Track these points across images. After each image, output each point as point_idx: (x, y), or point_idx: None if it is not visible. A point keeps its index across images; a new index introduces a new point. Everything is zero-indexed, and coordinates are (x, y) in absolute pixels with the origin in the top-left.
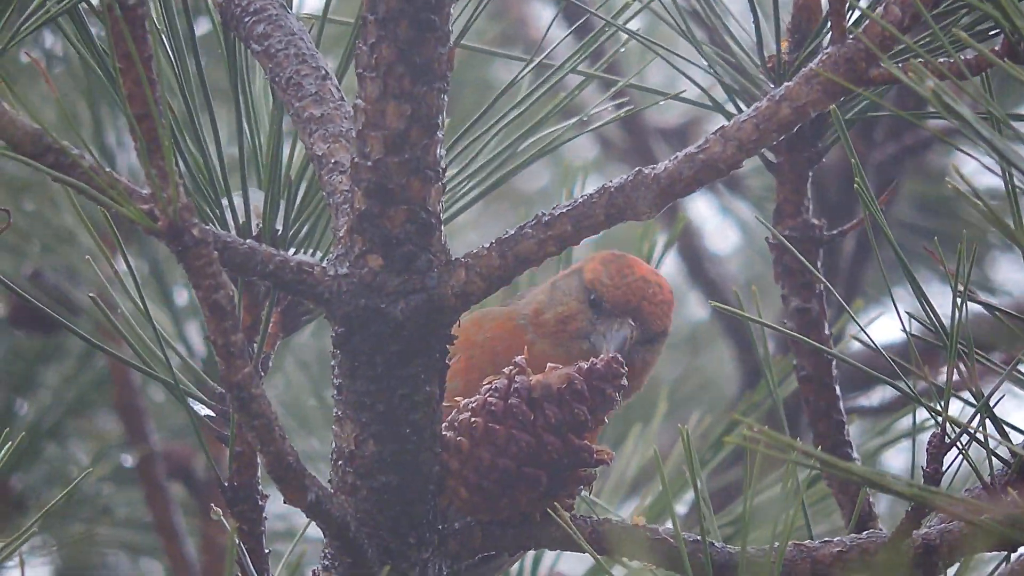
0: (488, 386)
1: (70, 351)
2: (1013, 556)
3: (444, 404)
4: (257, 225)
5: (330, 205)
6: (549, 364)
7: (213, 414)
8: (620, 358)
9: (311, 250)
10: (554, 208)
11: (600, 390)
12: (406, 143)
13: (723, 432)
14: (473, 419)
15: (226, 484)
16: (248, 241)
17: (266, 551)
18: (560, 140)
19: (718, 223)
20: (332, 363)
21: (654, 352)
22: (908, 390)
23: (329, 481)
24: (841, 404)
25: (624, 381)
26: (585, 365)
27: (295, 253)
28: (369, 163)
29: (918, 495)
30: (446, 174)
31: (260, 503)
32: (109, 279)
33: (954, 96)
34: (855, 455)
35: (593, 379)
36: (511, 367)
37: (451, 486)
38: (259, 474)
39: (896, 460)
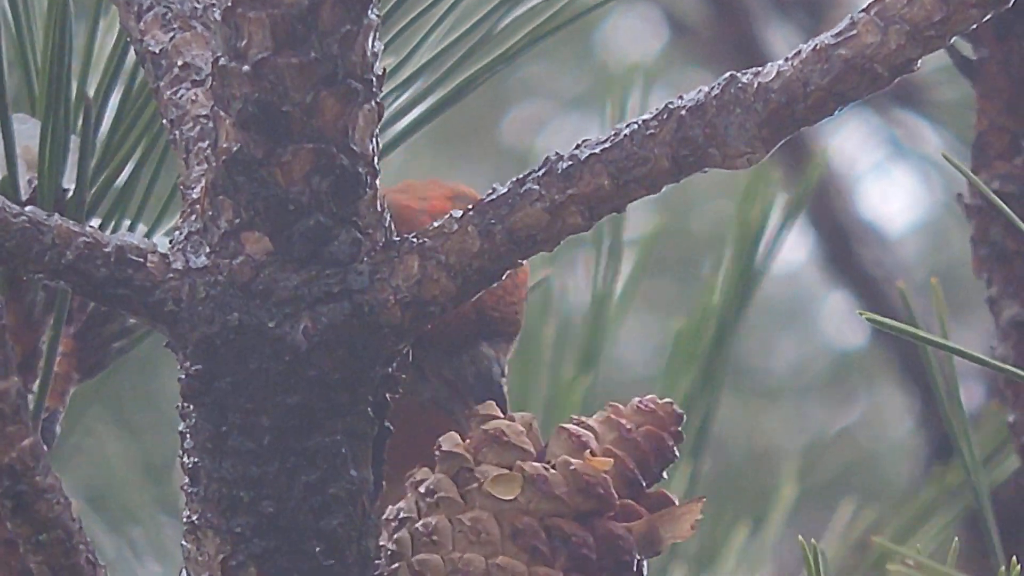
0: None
1: None
2: None
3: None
4: (30, 181)
5: (174, 142)
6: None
7: None
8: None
9: (128, 223)
10: (579, 145)
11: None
12: (313, 29)
13: (878, 559)
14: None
15: None
16: (29, 209)
17: None
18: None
19: (879, 166)
20: (180, 428)
21: None
22: None
23: None
24: None
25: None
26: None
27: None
28: (246, 66)
29: None
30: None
31: None
32: None
33: None
34: None
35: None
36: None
37: None
38: None
39: None
